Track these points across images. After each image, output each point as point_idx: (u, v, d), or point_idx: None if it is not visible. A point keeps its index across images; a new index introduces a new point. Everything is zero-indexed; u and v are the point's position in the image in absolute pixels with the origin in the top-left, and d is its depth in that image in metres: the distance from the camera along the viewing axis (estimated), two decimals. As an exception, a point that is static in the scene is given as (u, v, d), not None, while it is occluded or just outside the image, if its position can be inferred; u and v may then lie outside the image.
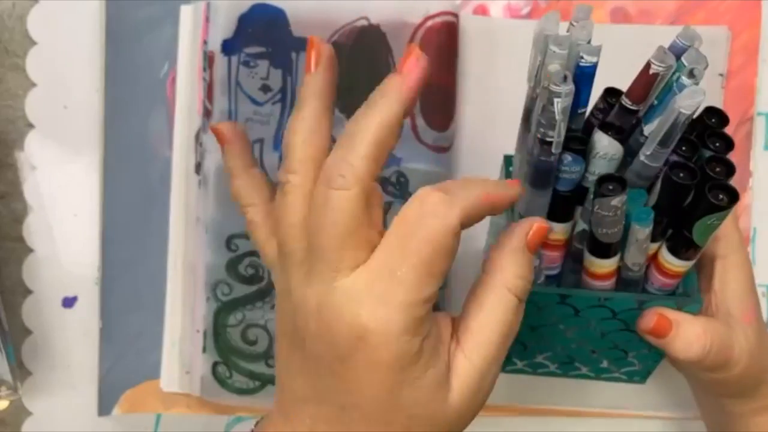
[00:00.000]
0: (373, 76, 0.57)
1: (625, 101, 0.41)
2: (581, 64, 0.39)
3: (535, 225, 0.39)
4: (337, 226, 0.35)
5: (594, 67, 0.39)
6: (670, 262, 0.44)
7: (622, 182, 0.39)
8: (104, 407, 0.62)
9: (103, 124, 0.61)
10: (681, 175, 0.40)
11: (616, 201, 0.39)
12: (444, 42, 0.58)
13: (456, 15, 0.58)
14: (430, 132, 0.58)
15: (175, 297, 0.61)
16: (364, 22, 0.58)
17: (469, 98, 0.60)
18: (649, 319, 0.46)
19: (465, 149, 0.60)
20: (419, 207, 0.36)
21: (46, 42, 0.61)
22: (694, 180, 0.40)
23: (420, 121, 0.58)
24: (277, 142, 0.58)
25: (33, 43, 0.61)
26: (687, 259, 0.44)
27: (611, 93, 0.43)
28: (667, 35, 0.60)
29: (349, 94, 0.58)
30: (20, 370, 0.61)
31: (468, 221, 0.36)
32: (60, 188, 0.62)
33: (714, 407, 0.53)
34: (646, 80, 0.40)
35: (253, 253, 0.59)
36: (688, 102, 0.37)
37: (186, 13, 0.60)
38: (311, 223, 0.37)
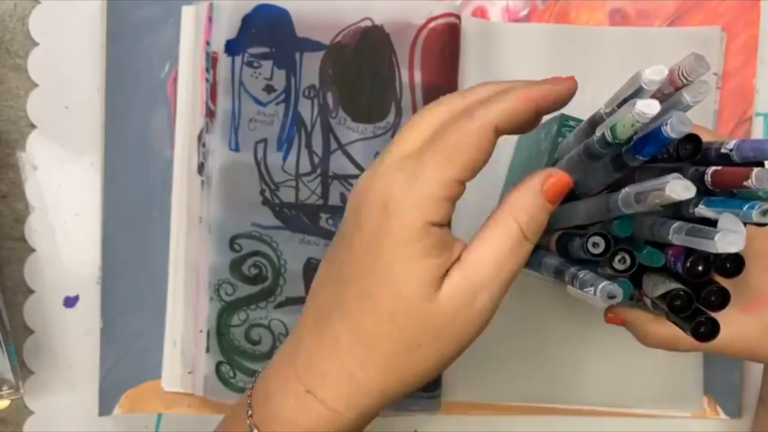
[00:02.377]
0: (376, 77, 0.58)
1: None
2: (663, 132, 0.35)
3: (558, 175, 0.39)
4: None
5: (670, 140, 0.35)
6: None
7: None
8: (105, 407, 0.61)
9: (105, 124, 0.61)
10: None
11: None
12: (446, 43, 0.58)
13: (458, 16, 0.58)
14: (432, 132, 0.59)
15: (176, 297, 0.61)
16: (367, 23, 0.58)
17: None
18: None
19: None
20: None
21: (47, 43, 0.61)
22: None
23: (423, 122, 0.58)
24: (281, 142, 0.58)
25: (34, 43, 0.61)
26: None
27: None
28: (665, 37, 0.61)
29: (352, 94, 0.59)
30: (22, 370, 0.61)
31: (508, 125, 0.38)
32: (61, 188, 0.62)
33: None
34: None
35: (257, 253, 0.59)
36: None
37: (187, 13, 0.60)
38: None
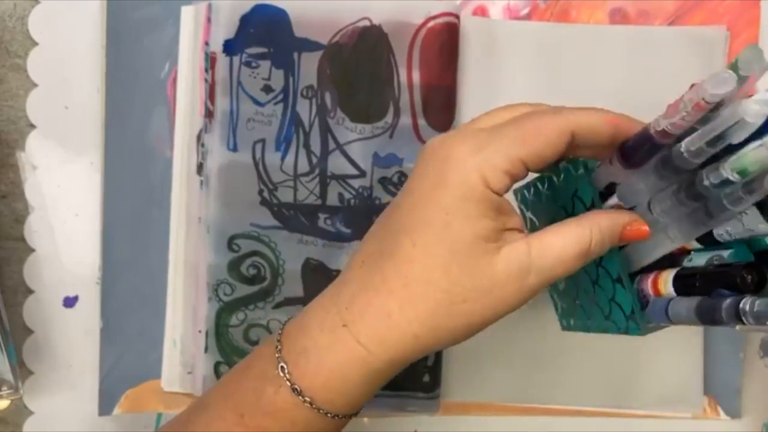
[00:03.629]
0: (374, 77, 0.58)
1: None
2: None
3: (642, 227, 0.42)
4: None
5: None
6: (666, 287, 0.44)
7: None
8: (105, 407, 0.62)
9: (104, 124, 0.61)
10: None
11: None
12: (445, 42, 0.58)
13: (457, 16, 0.58)
14: (432, 131, 0.58)
15: (175, 297, 0.61)
16: (366, 23, 0.58)
17: (469, 98, 0.60)
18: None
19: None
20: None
21: (47, 42, 0.61)
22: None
23: (421, 121, 0.58)
24: (279, 142, 0.58)
25: (34, 43, 0.61)
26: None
27: None
28: (665, 36, 0.61)
29: (350, 93, 0.59)
30: (21, 370, 0.61)
31: (585, 136, 0.40)
32: (61, 188, 0.62)
33: None
34: None
35: (255, 254, 0.59)
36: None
37: (187, 13, 0.60)
38: None
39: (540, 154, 0.40)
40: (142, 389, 0.62)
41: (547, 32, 0.61)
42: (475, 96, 0.60)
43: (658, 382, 0.62)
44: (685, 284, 0.43)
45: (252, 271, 0.59)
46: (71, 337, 0.62)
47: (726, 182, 0.36)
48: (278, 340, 0.44)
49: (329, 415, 0.43)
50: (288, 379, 0.43)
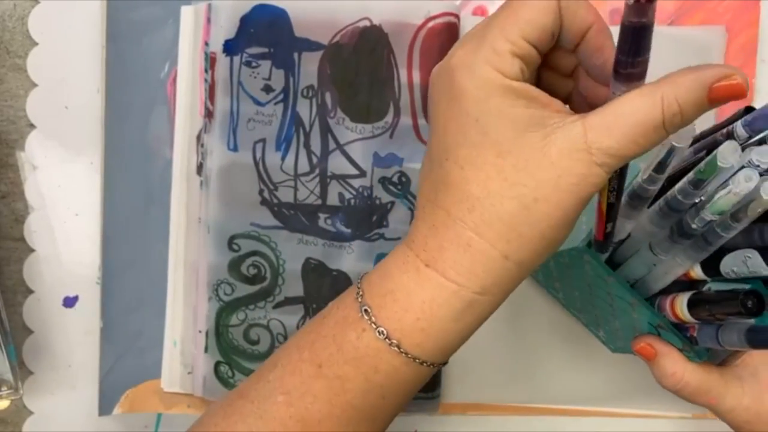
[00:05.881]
0: (375, 77, 0.58)
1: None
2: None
3: (735, 78, 0.34)
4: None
5: None
6: (683, 313, 0.46)
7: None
8: (105, 407, 0.62)
9: (104, 124, 0.61)
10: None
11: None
12: (445, 42, 0.58)
13: (457, 16, 0.58)
14: (432, 132, 0.58)
15: (175, 297, 0.61)
16: (366, 23, 0.58)
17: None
18: (638, 342, 0.50)
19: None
20: None
21: (47, 42, 0.61)
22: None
23: (421, 121, 0.58)
24: (279, 142, 0.58)
25: (34, 43, 0.61)
26: (698, 318, 0.46)
27: None
28: (666, 36, 0.61)
29: (350, 93, 0.59)
30: (21, 370, 0.61)
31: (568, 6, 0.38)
32: (61, 188, 0.62)
33: None
34: None
35: (255, 253, 0.59)
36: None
37: (186, 13, 0.60)
38: None
39: (535, 23, 0.37)
40: (142, 389, 0.62)
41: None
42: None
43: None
44: (696, 305, 0.45)
45: (252, 271, 0.59)
46: (71, 337, 0.62)
47: (710, 222, 0.41)
48: (359, 287, 0.41)
49: (417, 360, 0.40)
50: (373, 322, 0.40)
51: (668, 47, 0.61)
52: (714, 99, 0.34)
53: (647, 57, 0.34)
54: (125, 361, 0.61)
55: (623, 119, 0.35)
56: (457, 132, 0.38)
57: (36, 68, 0.61)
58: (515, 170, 0.36)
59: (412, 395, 0.43)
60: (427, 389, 0.60)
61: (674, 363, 0.48)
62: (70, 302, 0.62)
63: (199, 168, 0.59)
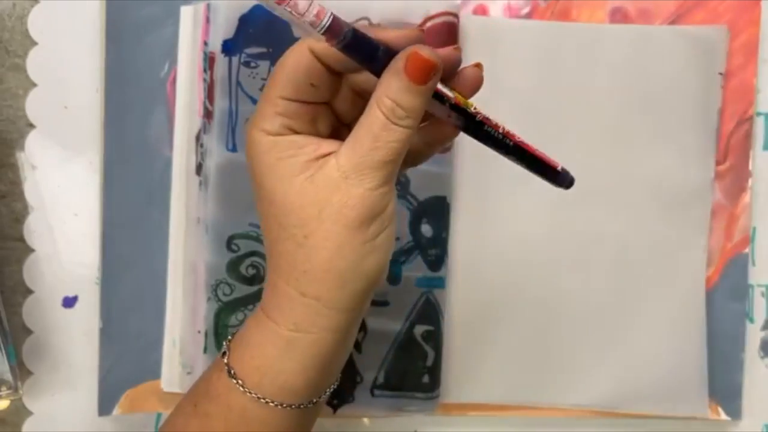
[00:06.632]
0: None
1: None
2: None
3: (415, 52, 0.39)
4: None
5: None
6: None
7: None
8: (105, 407, 0.62)
9: (104, 124, 0.60)
10: None
11: None
12: (444, 43, 0.58)
13: (456, 15, 0.58)
14: (431, 132, 0.58)
15: (175, 297, 0.61)
16: (364, 23, 0.58)
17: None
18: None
19: (466, 149, 0.60)
20: None
21: (46, 42, 0.61)
22: None
23: (420, 122, 0.58)
24: (278, 142, 0.58)
25: (33, 43, 0.61)
26: None
27: None
28: (665, 36, 0.61)
29: (349, 94, 0.58)
30: (21, 370, 0.61)
31: (323, 51, 0.41)
32: (60, 188, 0.62)
33: None
34: None
35: (254, 254, 0.59)
36: None
37: (186, 13, 0.60)
38: None
39: (287, 81, 0.41)
40: (141, 389, 0.62)
41: (548, 31, 0.61)
42: (475, 95, 0.60)
43: (659, 382, 0.62)
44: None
45: (251, 271, 0.59)
46: (71, 337, 0.62)
47: None
48: (224, 352, 0.45)
49: (262, 399, 0.43)
50: (227, 363, 0.44)
51: (669, 47, 0.60)
52: (413, 77, 0.38)
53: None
54: (125, 361, 0.61)
55: (359, 134, 0.40)
56: (255, 191, 0.43)
57: (35, 68, 0.61)
58: (285, 215, 0.41)
59: None
60: (427, 389, 0.60)
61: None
62: (69, 302, 0.62)
63: (198, 168, 0.59)
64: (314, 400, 0.45)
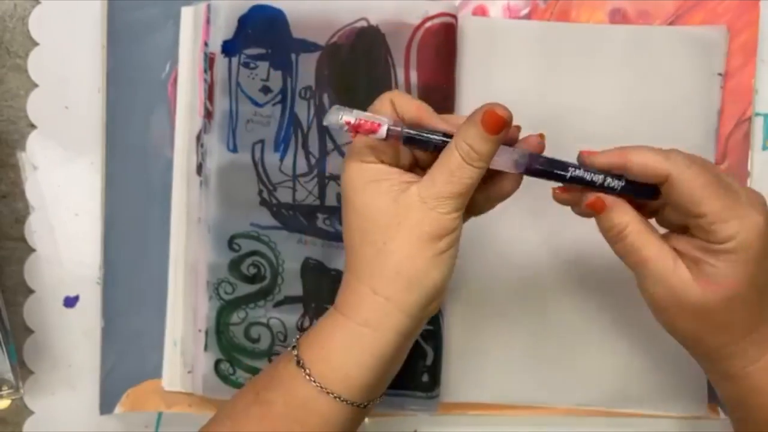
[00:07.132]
0: (372, 77, 0.58)
1: None
2: None
3: (493, 108, 0.45)
4: None
5: None
6: None
7: None
8: (106, 406, 0.62)
9: (105, 124, 0.61)
10: None
11: None
12: (442, 43, 0.58)
13: (454, 16, 0.58)
14: (430, 132, 0.59)
15: (176, 296, 0.61)
16: (363, 23, 0.58)
17: (468, 98, 0.60)
18: (589, 197, 0.50)
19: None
20: None
21: (47, 43, 0.61)
22: None
23: (420, 122, 0.59)
24: (278, 142, 0.58)
25: (34, 43, 0.61)
26: None
27: None
28: (665, 36, 0.61)
29: (348, 94, 0.59)
30: (22, 370, 0.62)
31: (400, 100, 0.49)
32: (61, 188, 0.62)
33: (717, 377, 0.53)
34: None
35: (255, 253, 0.59)
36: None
37: (187, 14, 0.60)
38: None
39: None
40: (142, 388, 0.62)
41: (547, 32, 0.61)
42: (474, 96, 0.60)
43: (658, 382, 0.62)
44: None
45: (252, 270, 0.59)
46: (72, 337, 0.62)
47: None
48: (295, 345, 0.49)
49: (324, 390, 0.47)
50: (296, 355, 0.48)
51: (669, 47, 0.60)
52: (488, 128, 0.45)
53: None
54: (126, 361, 0.62)
55: (438, 170, 0.46)
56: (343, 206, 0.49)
57: (37, 68, 0.61)
58: (369, 226, 0.47)
59: None
60: (427, 389, 0.60)
61: (623, 214, 0.49)
62: (70, 302, 0.62)
63: (199, 168, 0.60)
64: (365, 404, 0.49)
